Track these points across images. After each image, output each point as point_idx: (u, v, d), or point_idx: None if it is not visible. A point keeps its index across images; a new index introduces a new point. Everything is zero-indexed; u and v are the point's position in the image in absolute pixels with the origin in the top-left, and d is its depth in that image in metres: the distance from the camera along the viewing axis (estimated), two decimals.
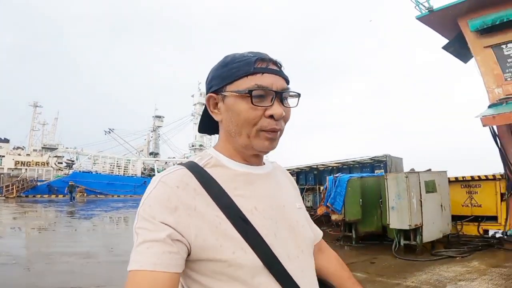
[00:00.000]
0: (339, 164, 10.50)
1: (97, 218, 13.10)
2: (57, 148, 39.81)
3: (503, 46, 6.62)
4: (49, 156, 36.80)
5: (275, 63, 0.68)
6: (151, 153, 46.00)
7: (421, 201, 5.45)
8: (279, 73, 0.67)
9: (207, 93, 0.72)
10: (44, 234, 8.85)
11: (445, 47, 8.30)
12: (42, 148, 40.28)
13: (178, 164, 0.68)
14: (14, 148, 37.39)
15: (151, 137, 47.71)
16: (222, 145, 0.72)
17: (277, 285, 0.61)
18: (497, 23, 6.47)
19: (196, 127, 35.94)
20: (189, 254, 0.59)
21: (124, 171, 38.16)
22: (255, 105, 0.63)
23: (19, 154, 36.34)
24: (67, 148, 39.09)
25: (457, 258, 5.00)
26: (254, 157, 0.71)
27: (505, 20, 6.33)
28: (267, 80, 0.64)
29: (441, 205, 5.80)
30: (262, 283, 0.60)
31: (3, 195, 26.53)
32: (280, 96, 0.65)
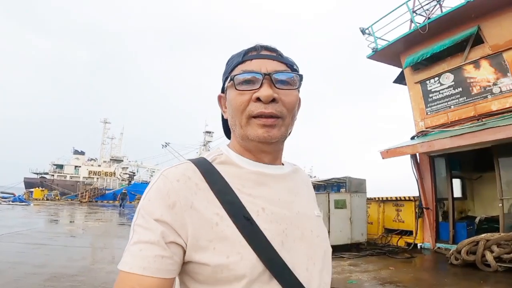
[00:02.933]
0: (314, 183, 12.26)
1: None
2: (122, 160, 47.09)
3: (427, 82, 7.74)
4: (116, 168, 43.78)
5: (269, 49, 0.66)
6: None
7: (328, 215, 7.34)
8: (272, 57, 0.64)
9: None
10: (103, 225, 12.44)
11: (395, 81, 9.63)
12: (110, 160, 47.91)
13: (187, 159, 0.64)
14: (88, 160, 45.45)
15: (203, 150, 52.67)
16: (233, 143, 0.69)
17: None
18: (423, 59, 7.53)
19: None
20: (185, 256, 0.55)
21: None
22: (239, 90, 0.61)
23: (92, 165, 44.30)
24: (129, 161, 45.93)
25: (345, 257, 6.75)
26: (264, 154, 0.66)
27: (428, 56, 7.37)
28: (255, 65, 0.62)
29: (350, 219, 7.54)
30: None
31: (78, 199, 32.91)
32: (270, 78, 0.61)
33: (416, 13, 8.67)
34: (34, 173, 43.82)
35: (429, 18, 7.67)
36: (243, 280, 0.53)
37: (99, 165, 45.16)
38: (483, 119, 6.31)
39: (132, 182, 40.16)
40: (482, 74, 6.50)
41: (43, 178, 41.05)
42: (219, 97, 0.72)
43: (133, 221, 0.56)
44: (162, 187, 0.57)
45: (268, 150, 0.66)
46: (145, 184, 39.62)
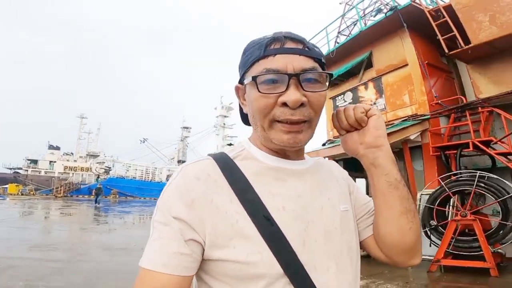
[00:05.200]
0: None
1: (114, 213, 18.39)
2: (99, 155, 48.00)
3: (336, 98, 9.64)
4: (91, 163, 44.75)
5: (295, 40, 0.59)
6: (178, 161, 52.31)
7: None
8: (298, 51, 0.58)
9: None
10: (76, 216, 14.12)
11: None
12: (87, 155, 48.78)
13: (208, 154, 0.65)
14: (63, 155, 46.23)
15: (180, 145, 54.14)
16: (255, 136, 0.68)
17: None
18: (334, 78, 9.51)
19: (219, 137, 39.80)
20: (203, 253, 0.56)
21: (151, 177, 44.68)
22: (263, 93, 0.57)
23: (68, 160, 45.21)
24: (105, 156, 46.93)
25: None
26: (288, 152, 0.65)
27: (336, 76, 8.97)
28: (279, 62, 0.57)
29: None
30: None
31: (53, 194, 33.98)
32: (298, 79, 0.56)
33: (341, 34, 10.63)
34: (7, 168, 44.27)
35: (338, 43, 9.68)
36: (263, 280, 0.53)
37: (75, 160, 46.04)
38: None
39: (107, 177, 41.24)
40: (368, 94, 8.57)
41: (16, 174, 41.57)
42: (237, 88, 0.68)
43: (152, 217, 0.57)
44: (181, 184, 0.57)
45: (290, 151, 0.65)
46: (120, 179, 41.00)
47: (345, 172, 0.80)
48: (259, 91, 0.58)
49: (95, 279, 4.53)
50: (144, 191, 40.26)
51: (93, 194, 25.54)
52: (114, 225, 11.43)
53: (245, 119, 0.73)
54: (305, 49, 0.60)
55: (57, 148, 46.14)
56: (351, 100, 9.13)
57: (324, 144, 10.17)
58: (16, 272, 4.55)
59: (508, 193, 4.50)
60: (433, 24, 6.73)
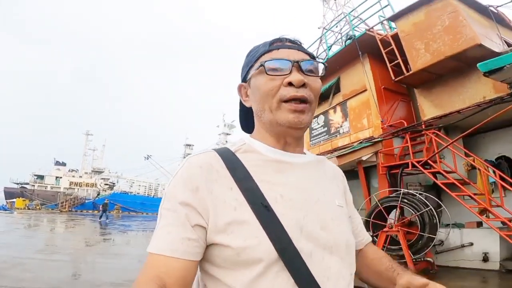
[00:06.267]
0: None
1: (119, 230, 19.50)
2: (103, 172, 49.46)
3: (312, 121, 10.97)
4: (96, 179, 46.23)
5: (292, 41, 0.73)
6: None
7: None
8: (297, 47, 0.71)
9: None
10: (79, 228, 15.28)
11: None
12: (92, 171, 50.21)
13: (212, 149, 0.69)
14: (69, 171, 47.78)
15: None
16: (256, 132, 0.75)
17: (293, 285, 0.56)
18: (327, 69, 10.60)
19: None
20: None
21: (154, 193, 45.85)
22: (271, 75, 0.66)
23: (73, 176, 46.68)
24: (110, 172, 48.43)
25: None
26: (288, 141, 0.71)
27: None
28: (283, 53, 0.68)
29: None
30: (275, 278, 0.56)
31: (58, 209, 35.28)
32: (298, 65, 0.66)
33: (319, 58, 11.82)
34: (15, 183, 45.83)
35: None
36: (260, 264, 0.56)
37: (80, 176, 47.55)
38: (334, 152, 9.23)
39: (111, 192, 42.32)
40: (336, 118, 9.55)
41: (23, 188, 42.99)
42: (240, 87, 0.77)
43: (160, 206, 0.62)
44: (185, 173, 0.62)
45: (294, 135, 0.70)
46: (124, 194, 42.16)
47: (343, 176, 0.85)
48: (267, 74, 0.65)
49: (89, 274, 5.66)
50: (147, 206, 41.23)
51: (99, 209, 25.13)
52: (114, 236, 12.53)
53: (243, 122, 0.84)
54: (302, 47, 0.72)
55: (63, 164, 47.83)
56: (323, 123, 10.22)
57: None
58: (25, 267, 5.69)
59: (425, 208, 5.49)
60: (383, 51, 7.67)
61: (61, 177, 45.46)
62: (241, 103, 0.80)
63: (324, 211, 0.67)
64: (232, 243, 0.57)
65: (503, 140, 7.32)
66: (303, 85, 0.66)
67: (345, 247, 0.67)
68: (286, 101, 0.66)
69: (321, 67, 0.72)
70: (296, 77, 0.65)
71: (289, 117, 0.66)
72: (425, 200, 5.62)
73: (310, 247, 0.60)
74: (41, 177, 45.97)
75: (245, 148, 0.71)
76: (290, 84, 0.66)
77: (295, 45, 0.72)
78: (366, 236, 0.86)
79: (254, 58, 0.72)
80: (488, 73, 4.73)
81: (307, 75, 0.68)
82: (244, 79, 0.76)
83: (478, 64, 4.77)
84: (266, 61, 0.67)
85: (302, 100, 0.66)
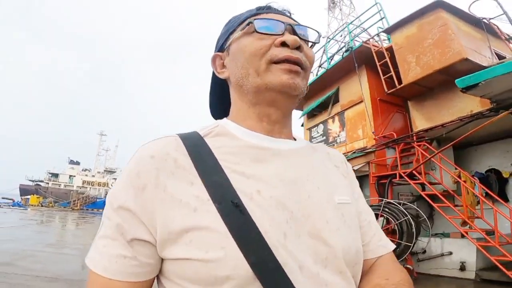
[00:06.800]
0: None
1: None
2: (115, 172, 50.79)
3: (312, 129, 10.83)
4: (108, 178, 47.52)
5: (283, 11, 0.62)
6: None
7: None
8: (288, 14, 0.62)
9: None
10: (89, 226, 16.04)
11: (302, 125, 12.91)
12: (104, 171, 51.61)
13: (176, 133, 0.56)
14: (83, 170, 49.28)
15: None
16: (234, 110, 0.61)
17: None
18: (309, 111, 10.43)
19: None
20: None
21: None
22: (261, 33, 0.55)
23: (86, 175, 48.13)
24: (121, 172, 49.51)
25: None
26: (275, 119, 0.58)
27: (312, 109, 10.26)
28: (274, 16, 0.58)
29: None
30: None
31: (70, 207, 36.47)
32: (292, 28, 0.57)
33: (321, 67, 11.87)
34: (30, 180, 47.52)
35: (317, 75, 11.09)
36: (228, 284, 0.42)
37: (93, 176, 49.01)
38: None
39: None
40: (334, 127, 9.88)
41: (38, 186, 44.62)
42: (215, 57, 0.64)
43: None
44: (132, 167, 0.48)
45: (284, 106, 0.57)
46: None
47: (348, 164, 0.69)
48: (256, 32, 0.55)
49: None
50: None
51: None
52: None
53: (215, 105, 0.72)
54: (293, 16, 0.63)
55: (77, 163, 49.50)
56: (322, 132, 10.57)
57: None
58: (36, 259, 6.27)
59: (403, 217, 5.83)
60: (377, 63, 7.96)
61: (74, 176, 47.01)
62: (213, 79, 0.68)
63: (317, 210, 0.52)
64: (190, 255, 0.44)
65: (492, 153, 7.57)
66: (298, 48, 0.55)
67: (347, 258, 0.51)
68: (278, 62, 0.54)
69: (315, 35, 0.61)
70: (291, 36, 0.54)
71: (282, 78, 0.53)
72: (404, 210, 5.94)
73: (298, 260, 0.46)
74: (55, 175, 47.61)
75: (218, 131, 0.57)
76: (283, 45, 0.54)
77: (287, 13, 0.63)
78: (381, 243, 0.62)
79: (236, 23, 0.60)
80: (465, 89, 5.00)
81: (302, 39, 0.57)
82: (221, 49, 0.63)
83: (456, 80, 5.03)
84: (255, 19, 0.56)
85: (296, 63, 0.54)
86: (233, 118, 0.61)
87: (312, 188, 0.54)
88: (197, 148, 0.52)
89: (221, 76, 0.63)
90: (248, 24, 0.57)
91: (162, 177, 0.48)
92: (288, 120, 0.63)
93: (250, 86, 0.56)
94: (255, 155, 0.54)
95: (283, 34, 0.55)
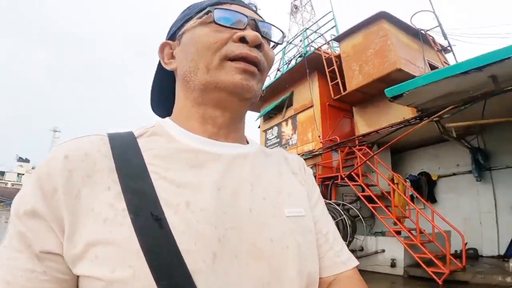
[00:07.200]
0: None
1: None
2: None
3: (268, 131, 11.13)
4: None
5: (247, 5, 0.57)
6: None
7: None
8: (253, 9, 0.56)
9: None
10: None
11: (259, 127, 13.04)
12: None
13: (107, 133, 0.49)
14: (33, 168, 46.21)
15: None
16: (177, 108, 0.55)
17: None
18: (264, 114, 10.70)
19: None
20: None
21: None
22: (220, 25, 0.49)
23: None
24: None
25: None
26: (221, 123, 0.52)
27: (266, 112, 10.53)
28: (237, 8, 0.53)
29: None
30: None
31: None
32: (255, 23, 0.52)
33: (279, 71, 12.10)
34: None
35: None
36: None
37: None
38: None
39: None
40: (287, 130, 10.14)
41: None
42: (164, 45, 0.57)
43: None
44: (43, 168, 0.41)
45: (233, 110, 0.52)
46: None
47: (307, 169, 0.63)
48: (215, 22, 0.49)
49: None
50: None
51: None
52: None
53: (157, 100, 0.64)
54: (258, 11, 0.59)
55: (27, 160, 46.30)
56: (276, 134, 10.84)
57: None
58: None
59: (339, 217, 6.20)
60: (326, 70, 8.36)
61: (23, 174, 43.92)
62: (159, 70, 0.61)
63: (260, 226, 0.45)
64: (96, 273, 0.37)
65: (424, 157, 8.24)
66: (259, 46, 0.50)
67: (296, 282, 0.44)
68: (233, 59, 0.49)
69: (279, 35, 0.56)
70: (252, 33, 0.49)
71: (235, 78, 0.48)
72: (341, 210, 6.34)
73: (229, 286, 0.40)
74: (1, 173, 44.26)
75: (153, 130, 0.51)
76: (242, 40, 0.49)
77: (252, 7, 0.58)
78: (339, 259, 0.55)
79: (194, 11, 0.53)
80: (393, 99, 5.40)
81: (264, 37, 0.53)
82: (172, 37, 0.57)
83: (385, 90, 5.41)
84: (216, 8, 0.50)
85: (254, 63, 0.50)
86: (175, 117, 0.54)
87: (255, 199, 0.47)
88: (123, 149, 0.45)
89: (168, 67, 0.56)
90: (207, 13, 0.51)
91: (75, 181, 0.41)
92: (238, 124, 0.56)
93: (197, 82, 0.50)
94: (191, 160, 0.47)
95: (244, 28, 0.50)
